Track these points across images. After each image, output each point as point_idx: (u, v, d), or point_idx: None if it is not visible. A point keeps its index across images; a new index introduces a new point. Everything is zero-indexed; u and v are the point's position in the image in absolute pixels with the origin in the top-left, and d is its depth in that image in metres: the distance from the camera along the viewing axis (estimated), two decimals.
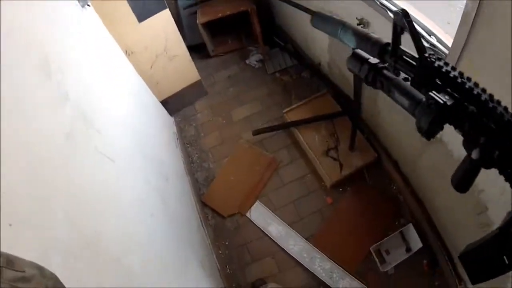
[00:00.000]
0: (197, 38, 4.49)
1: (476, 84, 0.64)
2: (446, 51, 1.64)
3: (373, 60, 0.94)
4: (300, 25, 3.80)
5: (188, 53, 3.62)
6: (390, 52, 0.90)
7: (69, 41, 1.86)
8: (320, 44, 3.50)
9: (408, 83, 0.80)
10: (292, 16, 3.82)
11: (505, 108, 0.59)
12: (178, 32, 3.35)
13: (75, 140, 1.39)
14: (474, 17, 1.27)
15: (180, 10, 5.36)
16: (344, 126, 3.29)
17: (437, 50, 1.70)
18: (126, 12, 2.92)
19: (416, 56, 0.78)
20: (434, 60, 0.72)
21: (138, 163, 2.20)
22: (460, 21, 1.38)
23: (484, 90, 0.63)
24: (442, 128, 0.69)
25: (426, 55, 0.73)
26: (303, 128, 3.43)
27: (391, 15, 1.93)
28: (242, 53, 4.58)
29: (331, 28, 1.18)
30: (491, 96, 0.62)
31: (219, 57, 4.62)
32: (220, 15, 4.01)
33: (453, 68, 0.69)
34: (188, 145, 3.88)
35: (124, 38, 3.01)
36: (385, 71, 0.91)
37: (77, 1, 2.18)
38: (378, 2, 2.13)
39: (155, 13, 3.05)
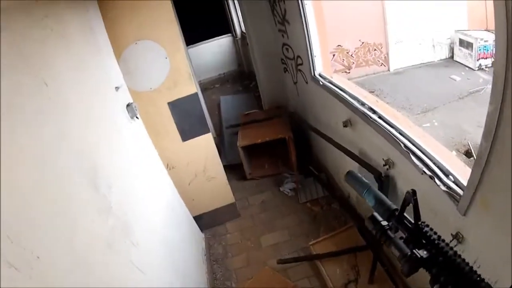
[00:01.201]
0: (236, 158, 4.82)
1: (447, 244, 0.96)
2: (461, 192, 1.80)
3: (383, 223, 1.21)
4: (333, 157, 4.00)
5: (225, 177, 3.89)
6: (396, 216, 1.17)
7: (116, 150, 2.18)
8: None
9: (402, 240, 1.10)
10: (327, 148, 4.04)
11: (463, 260, 0.90)
12: (218, 156, 3.68)
13: (114, 250, 1.53)
14: (487, 156, 1.46)
15: (223, 129, 5.89)
16: (366, 258, 3.22)
17: (452, 192, 1.88)
18: (172, 130, 3.35)
19: (412, 221, 1.07)
20: (423, 226, 1.04)
21: (168, 278, 2.31)
22: (474, 163, 1.58)
23: (451, 248, 0.94)
24: (417, 271, 0.99)
25: (419, 222, 1.05)
26: (326, 260, 3.38)
27: (414, 158, 2.15)
28: (277, 178, 4.75)
29: (359, 187, 1.44)
30: (455, 252, 0.93)
31: (254, 180, 4.83)
32: (259, 140, 4.36)
33: (435, 233, 1.01)
34: (214, 262, 3.85)
35: (167, 152, 3.39)
36: (388, 231, 1.18)
37: (126, 112, 2.57)
38: (402, 145, 2.30)
39: (199, 135, 3.44)
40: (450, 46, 9.48)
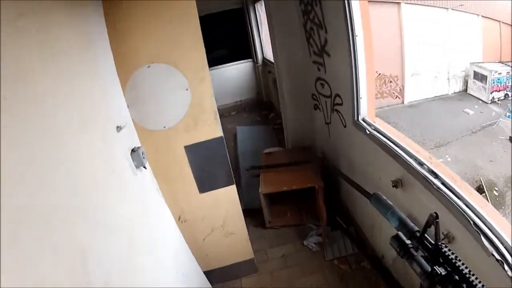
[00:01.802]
0: (254, 202, 4.27)
1: (462, 263, 1.05)
2: None
3: (407, 241, 1.29)
4: (367, 212, 3.50)
5: (246, 232, 3.30)
6: (417, 237, 1.26)
7: (112, 228, 1.68)
8: (388, 236, 3.06)
9: (422, 258, 1.19)
10: (359, 199, 3.51)
11: (476, 278, 0.99)
12: (241, 210, 3.09)
13: None
14: None
15: (241, 169, 5.31)
16: None
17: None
18: (188, 178, 2.77)
19: (433, 242, 1.17)
20: (442, 247, 1.13)
21: None
22: None
23: (466, 267, 1.03)
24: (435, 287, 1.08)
25: (439, 243, 1.14)
26: None
27: (484, 239, 1.92)
28: (300, 229, 4.18)
29: (383, 209, 1.50)
30: (469, 271, 1.02)
31: (275, 229, 4.25)
32: (285, 188, 3.82)
33: (452, 253, 1.10)
34: None
35: (180, 204, 2.81)
36: (411, 249, 1.26)
37: (131, 160, 2.05)
38: (472, 223, 1.97)
39: (221, 187, 2.86)
40: (464, 79, 9.88)
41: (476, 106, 9.44)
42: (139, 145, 2.26)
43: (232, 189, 2.89)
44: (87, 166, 1.57)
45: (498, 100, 9.14)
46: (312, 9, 3.55)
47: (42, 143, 1.26)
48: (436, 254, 1.14)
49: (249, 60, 8.89)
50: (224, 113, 8.63)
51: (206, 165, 2.76)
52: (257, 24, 8.24)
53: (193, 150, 2.66)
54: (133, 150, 2.11)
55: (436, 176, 2.25)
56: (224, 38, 8.31)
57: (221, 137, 2.70)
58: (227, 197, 2.93)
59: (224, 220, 3.04)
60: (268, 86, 8.42)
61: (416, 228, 1.31)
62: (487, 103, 9.33)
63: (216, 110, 2.68)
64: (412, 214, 2.57)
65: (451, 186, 2.14)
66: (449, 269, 1.09)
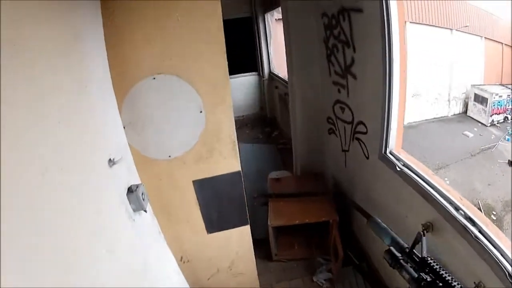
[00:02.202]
0: (261, 231, 3.90)
1: (446, 272, 1.30)
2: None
3: (398, 254, 1.52)
4: (381, 246, 3.08)
5: (256, 273, 2.91)
6: (407, 252, 1.49)
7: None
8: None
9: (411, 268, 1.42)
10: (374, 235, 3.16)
11: (458, 284, 1.25)
12: (252, 252, 2.70)
13: None
14: None
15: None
16: None
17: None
18: (195, 217, 2.34)
19: (420, 256, 1.41)
20: (427, 259, 1.39)
21: None
22: None
23: (448, 274, 1.27)
24: None
25: (425, 256, 1.39)
26: None
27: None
28: (309, 263, 3.82)
29: (378, 230, 1.77)
30: (452, 278, 1.26)
31: (281, 263, 3.87)
32: (297, 221, 3.48)
33: (437, 264, 1.34)
34: None
35: (183, 244, 2.41)
36: (401, 261, 1.49)
37: (127, 203, 1.65)
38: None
39: (233, 227, 2.46)
40: (465, 101, 9.87)
41: (475, 129, 9.49)
42: (138, 182, 1.83)
43: (246, 230, 2.51)
44: (64, 220, 1.17)
45: (497, 123, 9.18)
46: (338, 24, 3.21)
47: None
48: (423, 266, 1.34)
49: (255, 73, 8.54)
50: None
51: (217, 202, 2.33)
52: (265, 36, 7.91)
53: (203, 186, 2.21)
54: (130, 190, 1.68)
55: (473, 223, 1.98)
56: (230, 48, 7.95)
57: (238, 172, 2.26)
58: (240, 237, 2.53)
59: (232, 261, 2.65)
60: (273, 102, 8.08)
61: (406, 245, 1.52)
62: (487, 126, 9.38)
63: (236, 139, 2.22)
64: (440, 259, 2.16)
65: (488, 235, 1.89)
66: (433, 277, 1.28)
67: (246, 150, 6.46)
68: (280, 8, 6.90)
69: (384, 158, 2.86)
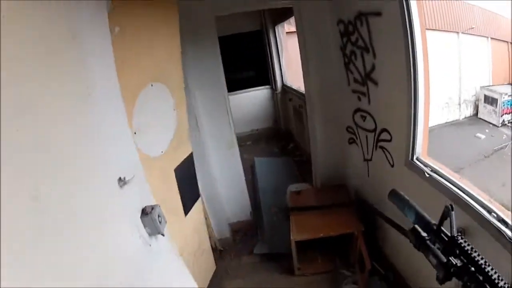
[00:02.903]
0: (280, 245, 3.88)
1: (478, 255, 1.05)
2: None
3: (423, 234, 1.30)
4: (412, 257, 3.00)
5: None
6: (434, 230, 1.27)
7: None
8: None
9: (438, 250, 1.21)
10: (401, 245, 3.09)
11: (492, 268, 0.99)
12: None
13: None
14: None
15: (263, 208, 4.83)
16: None
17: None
18: (178, 203, 2.61)
19: (449, 234, 1.18)
20: (458, 238, 1.15)
21: None
22: None
23: (482, 258, 1.03)
24: (451, 279, 1.09)
25: (455, 235, 1.16)
26: None
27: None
28: (333, 277, 3.67)
29: (400, 203, 1.46)
30: (486, 261, 1.01)
31: (304, 277, 3.74)
32: (321, 235, 3.37)
33: (468, 244, 1.10)
34: None
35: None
36: (427, 242, 1.28)
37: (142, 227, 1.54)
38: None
39: (193, 203, 2.85)
40: (475, 103, 9.83)
41: (487, 130, 9.59)
42: (153, 202, 1.70)
43: (199, 204, 2.99)
44: (64, 258, 1.04)
45: (508, 123, 9.18)
46: (355, 30, 3.14)
47: None
48: (452, 246, 1.15)
49: (267, 86, 8.49)
50: (240, 142, 8.14)
51: (185, 184, 2.66)
52: (277, 48, 7.88)
53: (178, 172, 2.51)
54: (144, 212, 1.57)
55: (506, 225, 1.92)
56: (242, 62, 7.91)
57: (191, 153, 2.78)
58: (197, 213, 2.95)
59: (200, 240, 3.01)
60: (288, 115, 8.00)
61: (433, 222, 1.35)
62: (498, 127, 9.44)
63: (188, 126, 2.78)
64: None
65: None
66: (465, 260, 1.09)
67: (262, 164, 6.36)
68: (290, 20, 6.96)
69: (411, 165, 2.75)
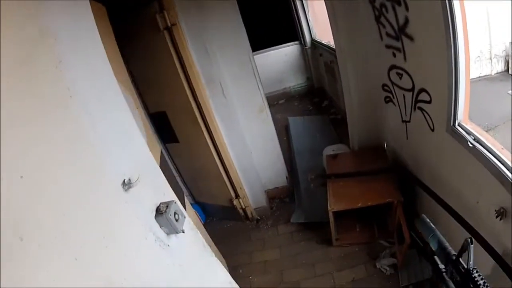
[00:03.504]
0: (318, 214, 3.79)
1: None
2: None
3: (441, 266, 1.39)
4: (450, 227, 2.70)
5: None
6: (452, 261, 1.33)
7: None
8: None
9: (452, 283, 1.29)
10: (440, 215, 2.82)
11: None
12: None
13: None
14: None
15: (299, 172, 4.69)
16: None
17: None
18: None
19: (465, 266, 1.26)
20: (473, 272, 1.22)
21: None
22: None
23: None
24: None
25: (470, 268, 1.24)
26: None
27: None
28: (371, 248, 3.54)
29: (426, 231, 1.59)
30: None
31: (342, 247, 3.62)
32: (360, 204, 3.21)
33: (482, 279, 1.18)
34: None
35: None
36: (443, 274, 1.36)
37: (157, 231, 1.42)
38: None
39: None
40: (505, 58, 9.08)
41: None
42: (170, 198, 1.58)
43: None
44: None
45: None
46: None
47: None
48: (466, 279, 1.23)
49: (296, 42, 8.01)
50: (271, 102, 7.88)
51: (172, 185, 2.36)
52: (301, 3, 7.34)
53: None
54: (159, 211, 1.44)
55: None
56: (268, 19, 7.47)
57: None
58: None
59: None
60: (319, 71, 7.58)
61: (454, 252, 1.39)
62: None
63: None
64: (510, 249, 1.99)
65: None
66: None
67: (297, 124, 6.14)
68: None
69: (453, 132, 2.45)
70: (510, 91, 8.00)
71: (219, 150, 3.78)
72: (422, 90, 2.77)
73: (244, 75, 3.83)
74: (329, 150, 4.49)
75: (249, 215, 4.29)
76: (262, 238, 4.06)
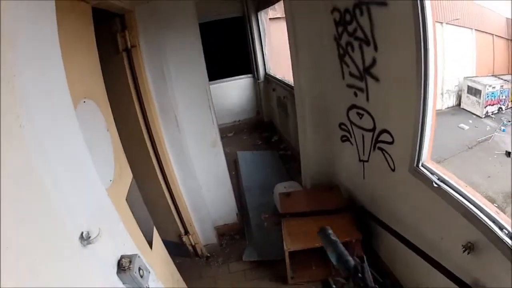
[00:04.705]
0: (271, 252, 3.70)
1: None
2: None
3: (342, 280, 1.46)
4: (412, 267, 2.82)
5: None
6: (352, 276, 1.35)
7: None
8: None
9: None
10: (396, 248, 2.88)
11: None
12: None
13: None
14: None
15: (249, 209, 4.56)
16: None
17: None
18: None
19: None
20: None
21: None
22: None
23: None
24: None
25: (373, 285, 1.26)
26: None
27: None
28: (328, 284, 3.43)
29: (326, 244, 1.54)
30: None
31: (297, 286, 3.50)
32: (316, 244, 3.09)
33: None
34: None
35: None
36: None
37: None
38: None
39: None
40: (458, 93, 9.83)
41: (470, 121, 9.42)
42: (130, 248, 1.39)
43: None
44: None
45: (492, 114, 9.06)
46: (354, 19, 2.81)
47: None
48: None
49: (249, 75, 8.09)
50: (222, 134, 7.77)
51: (141, 215, 2.31)
52: (259, 36, 7.47)
53: (130, 201, 2.10)
54: (121, 267, 1.24)
55: None
56: (222, 50, 7.47)
57: (133, 178, 2.36)
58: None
59: None
60: (271, 105, 7.66)
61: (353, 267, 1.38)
62: (481, 118, 9.25)
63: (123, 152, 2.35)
64: (485, 285, 2.04)
65: None
66: None
67: (246, 159, 6.05)
68: (275, 6, 6.57)
69: (415, 172, 2.50)
70: (461, 125, 8.54)
71: (169, 184, 3.56)
72: (384, 131, 2.83)
73: (199, 105, 3.70)
74: (280, 188, 4.42)
75: (199, 252, 4.05)
76: (213, 276, 3.83)
